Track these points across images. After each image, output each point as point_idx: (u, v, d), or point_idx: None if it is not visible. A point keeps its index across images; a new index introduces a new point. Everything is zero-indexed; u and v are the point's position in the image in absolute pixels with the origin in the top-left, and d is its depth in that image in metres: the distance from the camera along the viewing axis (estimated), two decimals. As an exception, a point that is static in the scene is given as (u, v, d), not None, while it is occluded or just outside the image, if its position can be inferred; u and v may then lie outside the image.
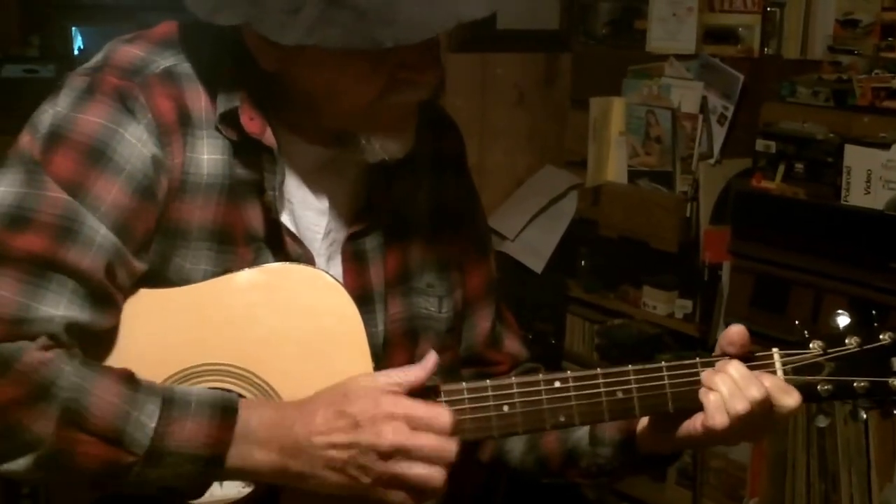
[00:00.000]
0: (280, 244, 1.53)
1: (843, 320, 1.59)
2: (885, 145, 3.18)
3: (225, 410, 1.39)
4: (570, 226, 4.11)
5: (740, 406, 1.49)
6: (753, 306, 3.47)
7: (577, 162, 4.10)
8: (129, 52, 1.50)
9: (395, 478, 1.40)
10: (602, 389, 1.53)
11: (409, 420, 1.41)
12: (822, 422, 1.62)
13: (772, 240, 3.43)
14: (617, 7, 4.12)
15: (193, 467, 1.37)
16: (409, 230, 1.66)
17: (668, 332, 3.81)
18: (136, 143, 1.44)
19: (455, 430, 1.43)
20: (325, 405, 1.41)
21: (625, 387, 1.53)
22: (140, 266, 1.47)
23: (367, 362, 1.52)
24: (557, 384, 1.52)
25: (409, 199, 1.66)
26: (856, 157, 3.23)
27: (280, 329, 1.50)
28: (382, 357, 1.60)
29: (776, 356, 1.57)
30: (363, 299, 1.59)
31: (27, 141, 1.45)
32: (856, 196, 3.23)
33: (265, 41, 1.43)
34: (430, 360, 1.47)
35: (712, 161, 3.68)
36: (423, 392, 1.47)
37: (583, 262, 4.08)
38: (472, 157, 4.00)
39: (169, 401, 1.37)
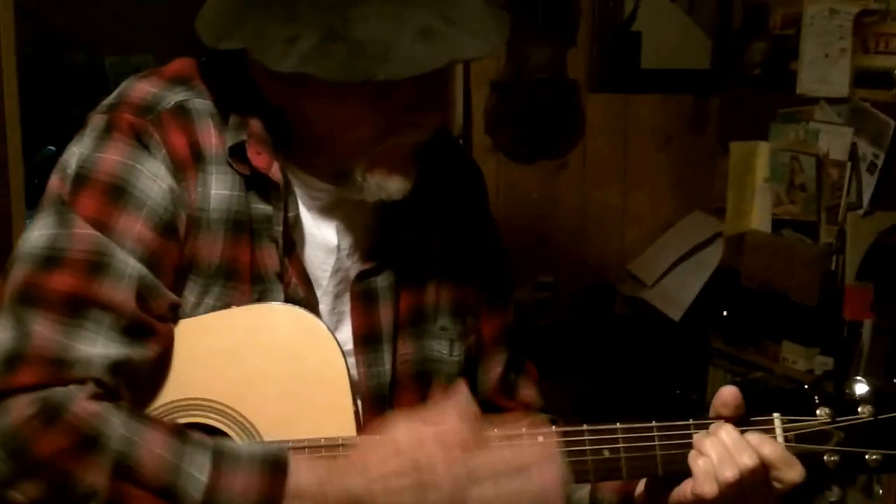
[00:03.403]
0: (286, 283, 1.53)
1: (860, 387, 1.49)
2: None
3: (275, 465, 1.37)
4: (714, 274, 3.98)
5: (729, 473, 1.42)
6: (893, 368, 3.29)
7: (725, 208, 3.95)
8: (142, 88, 1.52)
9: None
10: (588, 448, 1.47)
11: (459, 455, 1.37)
12: (832, 496, 1.49)
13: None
14: (771, 47, 3.96)
15: None
16: (424, 271, 1.64)
17: (806, 390, 3.64)
18: (154, 178, 1.47)
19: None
20: (373, 450, 1.39)
21: (611, 446, 1.47)
22: (174, 297, 1.48)
23: (347, 402, 1.50)
24: (541, 439, 1.46)
25: (423, 240, 1.64)
26: None
27: (262, 368, 1.51)
28: (389, 398, 1.59)
29: (777, 422, 1.49)
30: (370, 338, 1.59)
31: (57, 184, 1.48)
32: None
33: (270, 73, 1.44)
34: (461, 394, 1.43)
35: (861, 212, 3.50)
36: None
37: (724, 313, 3.93)
38: (614, 201, 4.01)
39: (219, 454, 1.36)
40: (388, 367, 1.59)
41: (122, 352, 1.40)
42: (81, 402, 1.34)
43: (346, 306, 1.59)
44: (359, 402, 1.54)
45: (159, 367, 1.47)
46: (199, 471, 1.34)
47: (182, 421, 1.46)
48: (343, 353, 1.51)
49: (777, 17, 3.86)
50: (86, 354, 1.37)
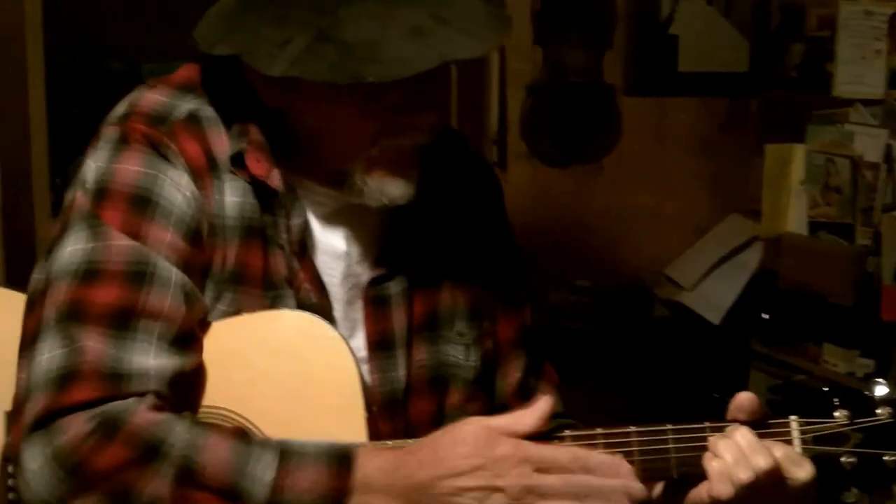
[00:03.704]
0: (297, 289, 1.52)
1: (880, 389, 1.47)
2: None
3: (341, 459, 1.36)
4: (752, 277, 3.96)
5: (744, 475, 1.41)
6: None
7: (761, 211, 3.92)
8: (152, 98, 1.52)
9: None
10: (602, 451, 1.44)
11: (531, 461, 1.37)
12: (850, 497, 1.48)
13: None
14: (807, 48, 3.94)
15: None
16: (437, 276, 1.63)
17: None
18: (177, 186, 1.47)
19: (585, 466, 1.39)
20: (444, 445, 1.38)
21: (626, 449, 1.46)
22: (206, 303, 1.48)
23: (358, 406, 1.49)
24: (556, 443, 1.45)
25: (433, 244, 1.63)
26: None
27: (266, 372, 1.49)
28: (403, 404, 1.58)
29: (793, 424, 1.48)
30: (383, 344, 1.58)
31: (80, 197, 1.47)
32: None
33: (264, 77, 1.43)
34: (542, 405, 1.43)
35: (896, 214, 3.46)
36: None
37: (763, 316, 3.90)
38: (650, 204, 3.98)
39: (284, 452, 1.36)
40: (402, 372, 1.58)
41: (176, 362, 1.40)
42: (142, 413, 1.33)
43: (359, 313, 1.58)
44: (373, 409, 1.53)
45: None
46: (264, 470, 1.33)
47: None
48: (355, 357, 1.49)
49: (813, 18, 3.84)
50: (142, 367, 1.36)
